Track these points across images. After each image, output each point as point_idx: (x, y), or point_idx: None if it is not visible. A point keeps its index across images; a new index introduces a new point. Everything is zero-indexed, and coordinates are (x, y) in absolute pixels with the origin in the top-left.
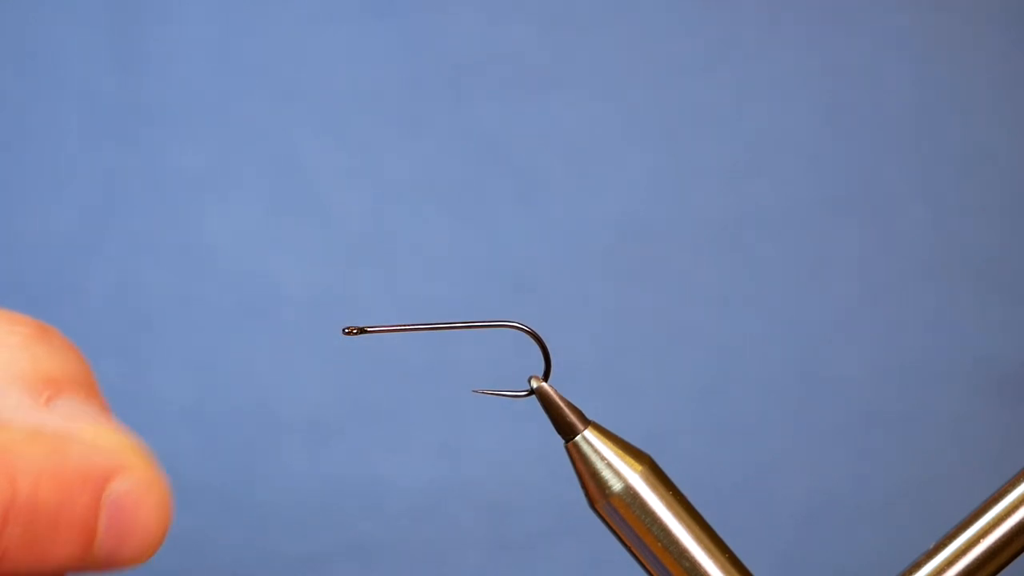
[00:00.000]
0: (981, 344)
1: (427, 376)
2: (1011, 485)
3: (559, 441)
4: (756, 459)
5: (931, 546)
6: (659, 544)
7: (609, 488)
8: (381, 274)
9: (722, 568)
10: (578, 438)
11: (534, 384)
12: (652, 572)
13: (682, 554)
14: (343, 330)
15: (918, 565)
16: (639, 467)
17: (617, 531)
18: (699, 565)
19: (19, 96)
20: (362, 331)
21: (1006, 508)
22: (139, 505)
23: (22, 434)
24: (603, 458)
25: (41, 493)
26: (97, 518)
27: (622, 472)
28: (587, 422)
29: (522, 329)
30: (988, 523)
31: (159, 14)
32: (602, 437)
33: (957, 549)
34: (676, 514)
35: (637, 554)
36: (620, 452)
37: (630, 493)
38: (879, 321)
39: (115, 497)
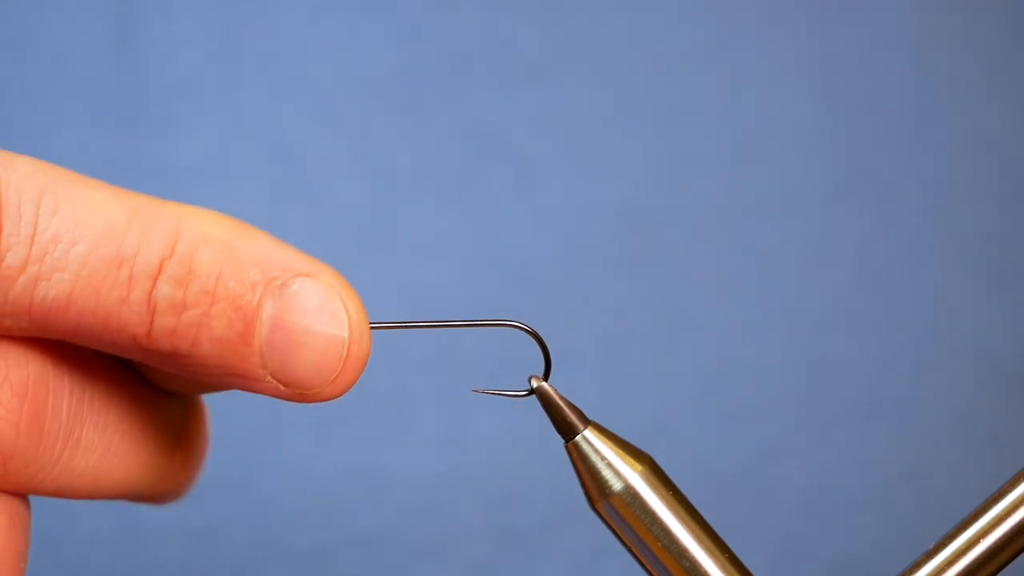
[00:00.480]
0: (982, 332)
1: (430, 369)
2: (1011, 485)
3: None
4: (757, 448)
5: (931, 546)
6: (659, 544)
7: (609, 488)
8: (381, 264)
9: (722, 568)
10: (578, 438)
11: (534, 384)
12: (652, 572)
13: (682, 554)
14: None
15: (918, 565)
16: (639, 467)
17: (617, 531)
18: (699, 565)
19: (19, 85)
20: None
21: (1006, 508)
22: (317, 313)
23: (201, 209)
24: (603, 458)
25: (201, 256)
26: (260, 307)
27: (622, 472)
28: (587, 422)
29: (523, 329)
30: (988, 523)
31: (159, 5)
32: (602, 437)
33: (957, 549)
34: (676, 514)
35: (637, 554)
36: (620, 452)
37: (630, 493)
38: (879, 309)
39: (291, 293)
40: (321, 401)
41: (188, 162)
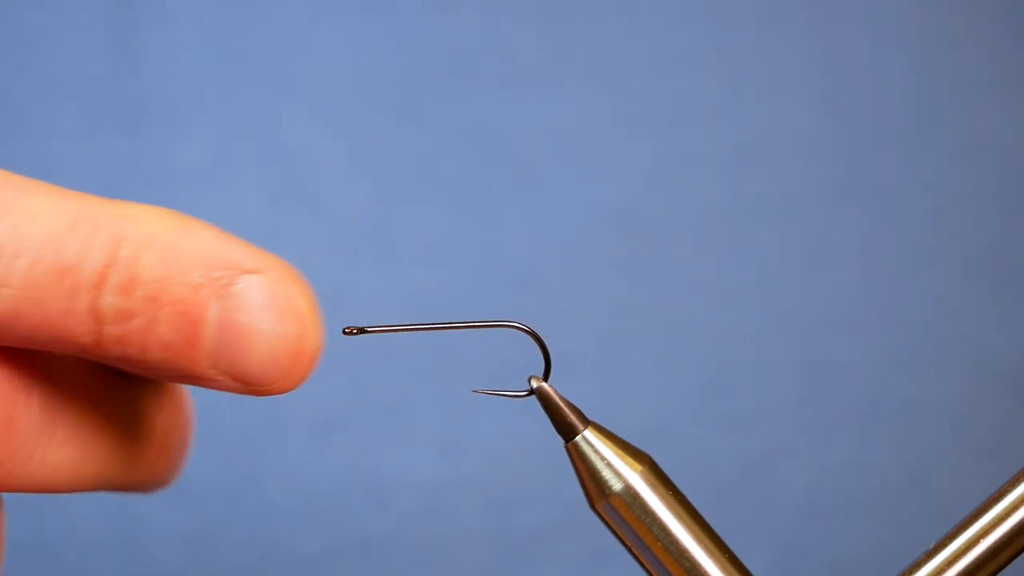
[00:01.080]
0: (982, 336)
1: (430, 372)
2: (1011, 485)
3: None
4: (756, 450)
5: (931, 546)
6: (659, 544)
7: (609, 488)
8: (382, 268)
9: (722, 568)
10: (578, 438)
11: (534, 384)
12: (652, 572)
13: (682, 554)
14: (343, 330)
15: (918, 565)
16: (639, 467)
17: (617, 531)
18: (699, 565)
19: (17, 89)
20: (362, 331)
21: (1006, 508)
22: (263, 311)
23: (145, 208)
24: (603, 458)
25: (144, 261)
26: (206, 306)
27: (622, 472)
28: (587, 422)
29: (522, 329)
30: (988, 523)
31: (158, 7)
32: (602, 437)
33: (957, 549)
34: (676, 514)
35: (637, 554)
36: (620, 452)
37: (630, 493)
38: (880, 311)
39: (236, 292)
40: (277, 395)
41: (188, 165)
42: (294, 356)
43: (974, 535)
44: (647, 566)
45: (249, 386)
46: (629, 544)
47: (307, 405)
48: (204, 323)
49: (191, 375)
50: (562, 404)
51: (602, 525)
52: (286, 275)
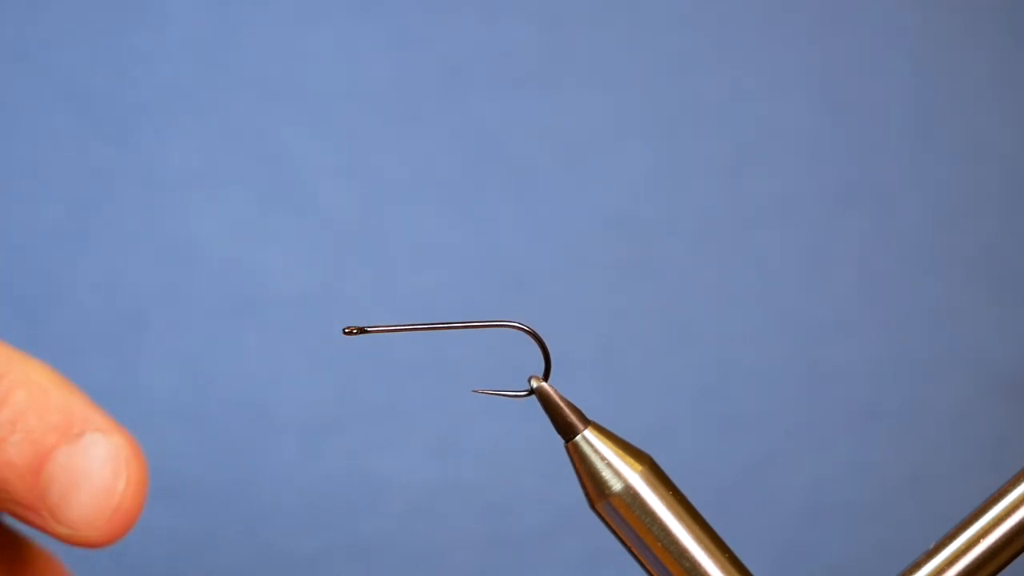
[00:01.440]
0: (982, 339)
1: (425, 374)
2: (1011, 485)
3: (558, 440)
4: (756, 454)
5: (931, 546)
6: (659, 544)
7: (609, 488)
8: (377, 271)
9: (722, 568)
10: (578, 438)
11: (534, 384)
12: (652, 572)
13: (682, 554)
14: (343, 330)
15: (918, 565)
16: (639, 467)
17: (617, 531)
18: (699, 565)
19: (7, 93)
20: (362, 331)
21: (1006, 508)
22: (101, 464)
23: (33, 361)
24: (603, 458)
25: (15, 394)
26: (56, 444)
27: (622, 472)
28: (587, 422)
29: (522, 329)
30: (988, 523)
31: (149, 11)
32: (602, 437)
33: (957, 549)
34: (676, 514)
35: (637, 554)
36: (620, 452)
37: (630, 493)
38: (880, 316)
39: (84, 442)
40: (87, 546)
41: (179, 170)
42: (114, 511)
43: (974, 535)
44: (647, 566)
45: (66, 528)
46: (629, 544)
47: (303, 406)
48: (50, 456)
49: (22, 502)
50: (562, 404)
51: (601, 525)
52: (128, 443)
